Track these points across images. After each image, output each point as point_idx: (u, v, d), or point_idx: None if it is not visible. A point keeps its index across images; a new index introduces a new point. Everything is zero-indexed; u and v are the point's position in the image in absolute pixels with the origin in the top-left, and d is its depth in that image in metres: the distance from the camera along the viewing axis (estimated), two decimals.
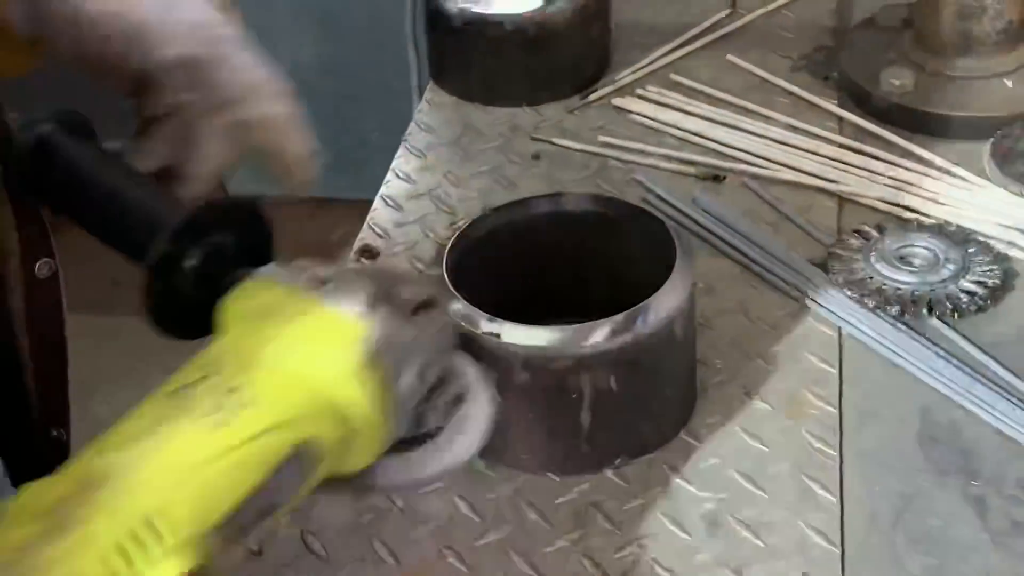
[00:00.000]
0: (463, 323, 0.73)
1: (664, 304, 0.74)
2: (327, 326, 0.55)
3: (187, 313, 0.60)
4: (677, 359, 0.78)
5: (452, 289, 0.74)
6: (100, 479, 0.50)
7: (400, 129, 1.15)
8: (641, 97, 1.11)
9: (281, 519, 0.55)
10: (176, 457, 0.52)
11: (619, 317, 0.72)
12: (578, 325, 0.73)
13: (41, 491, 0.50)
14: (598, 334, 0.72)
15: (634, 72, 1.15)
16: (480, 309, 0.73)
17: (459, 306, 0.73)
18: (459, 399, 0.61)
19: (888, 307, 0.86)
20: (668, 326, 0.74)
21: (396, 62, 2.00)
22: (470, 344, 0.69)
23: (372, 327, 0.55)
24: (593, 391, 0.73)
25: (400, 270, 0.67)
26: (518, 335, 0.73)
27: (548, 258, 0.85)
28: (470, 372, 0.63)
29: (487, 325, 0.73)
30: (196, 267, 0.60)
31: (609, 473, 0.76)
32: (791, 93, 1.10)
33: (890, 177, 0.98)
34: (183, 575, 0.48)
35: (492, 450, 0.68)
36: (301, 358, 0.55)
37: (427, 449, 0.61)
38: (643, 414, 0.77)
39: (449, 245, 0.76)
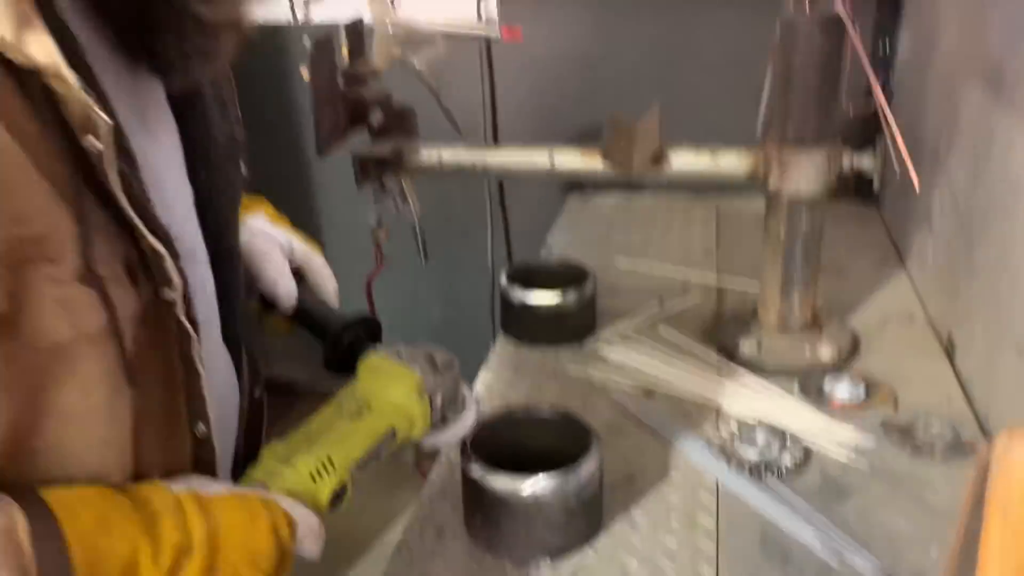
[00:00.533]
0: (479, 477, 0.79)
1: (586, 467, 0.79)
2: (405, 377, 0.70)
3: (343, 363, 0.77)
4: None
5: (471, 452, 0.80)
6: (305, 441, 0.63)
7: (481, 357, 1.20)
8: (613, 344, 1.17)
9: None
10: (339, 432, 0.65)
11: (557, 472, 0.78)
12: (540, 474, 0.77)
13: (278, 447, 0.63)
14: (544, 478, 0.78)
15: (608, 335, 1.21)
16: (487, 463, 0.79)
17: (476, 466, 0.80)
18: (461, 405, 0.76)
19: (744, 469, 0.93)
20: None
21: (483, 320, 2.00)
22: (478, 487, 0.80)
23: (424, 378, 0.71)
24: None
25: (436, 349, 0.73)
26: (503, 480, 0.78)
27: (528, 436, 0.87)
28: (467, 393, 0.77)
29: (478, 472, 0.79)
30: (350, 342, 0.78)
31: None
32: (691, 352, 1.16)
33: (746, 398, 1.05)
34: (338, 486, 0.62)
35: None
36: (393, 391, 0.69)
37: (447, 428, 0.75)
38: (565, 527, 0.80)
39: (477, 429, 0.79)
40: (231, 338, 0.65)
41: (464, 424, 0.77)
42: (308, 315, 0.80)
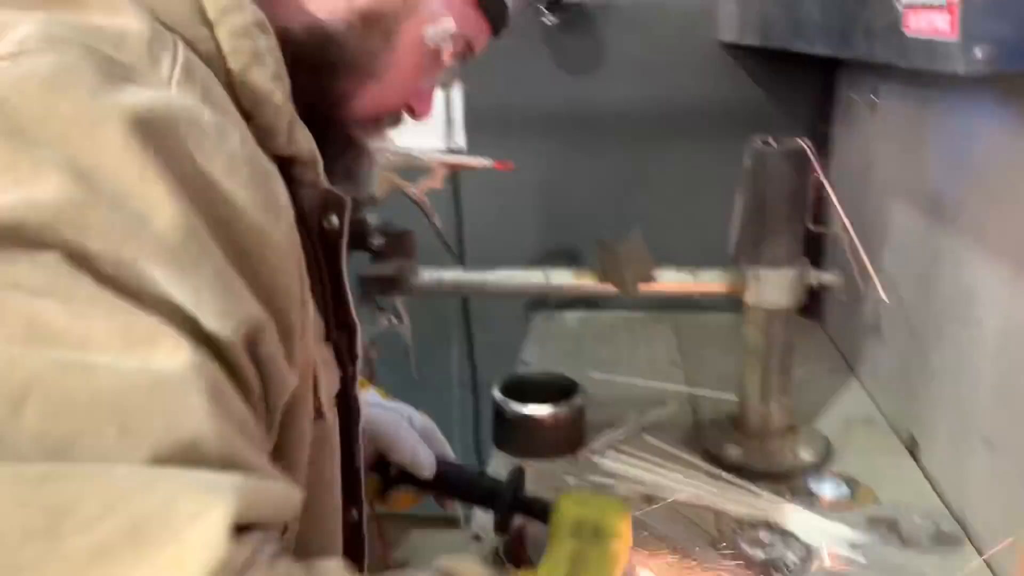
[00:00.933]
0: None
1: None
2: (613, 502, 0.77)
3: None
4: None
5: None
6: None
7: None
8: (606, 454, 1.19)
9: None
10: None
11: None
12: None
13: None
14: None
15: (599, 445, 1.23)
16: None
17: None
18: None
19: (754, 568, 0.96)
20: None
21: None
22: None
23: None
24: None
25: None
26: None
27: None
28: None
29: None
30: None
31: None
32: (679, 458, 1.20)
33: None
34: None
35: None
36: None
37: None
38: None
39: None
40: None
41: None
42: (452, 479, 0.83)
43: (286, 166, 0.50)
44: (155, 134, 0.38)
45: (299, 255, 0.47)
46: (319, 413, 0.51)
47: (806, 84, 1.72)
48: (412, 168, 1.24)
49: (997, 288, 0.98)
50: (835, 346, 1.68)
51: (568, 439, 1.24)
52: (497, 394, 1.27)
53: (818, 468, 1.19)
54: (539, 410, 1.22)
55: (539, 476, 1.16)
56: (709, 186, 1.36)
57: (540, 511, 0.78)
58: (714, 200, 1.23)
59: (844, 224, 1.09)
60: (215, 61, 0.47)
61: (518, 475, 0.82)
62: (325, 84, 0.57)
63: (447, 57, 0.61)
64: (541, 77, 1.79)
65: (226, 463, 0.36)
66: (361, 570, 0.64)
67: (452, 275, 1.21)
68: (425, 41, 0.59)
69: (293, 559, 0.39)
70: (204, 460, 0.35)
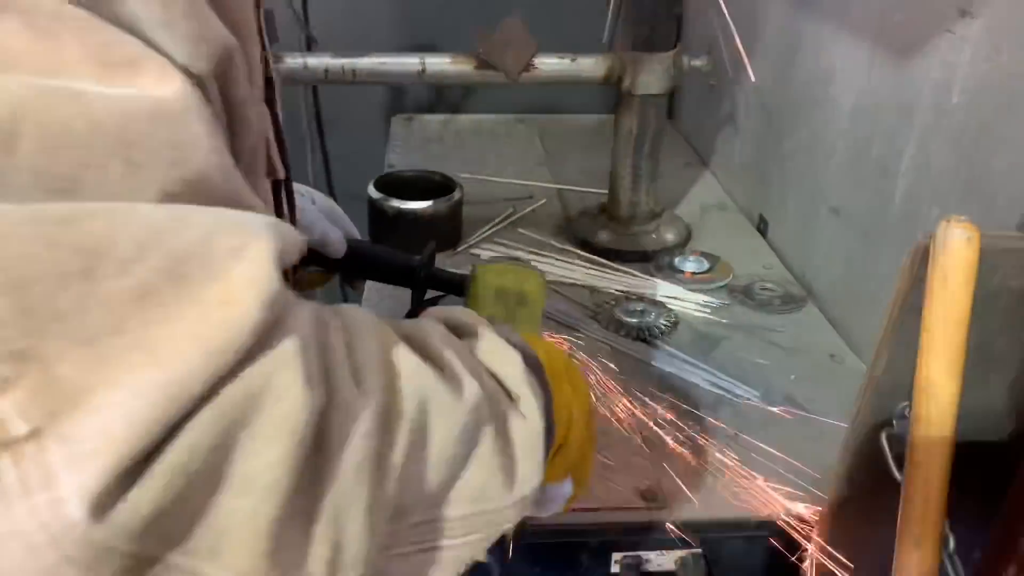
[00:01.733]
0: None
1: None
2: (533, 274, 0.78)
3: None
4: None
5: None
6: None
7: None
8: (482, 246, 1.24)
9: None
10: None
11: None
12: None
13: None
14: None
15: (475, 239, 1.27)
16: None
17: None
18: None
19: (630, 333, 1.05)
20: None
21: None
22: None
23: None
24: None
25: None
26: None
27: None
28: None
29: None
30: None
31: None
32: (555, 246, 1.26)
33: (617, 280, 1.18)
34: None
35: None
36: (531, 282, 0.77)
37: None
38: None
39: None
40: None
41: None
42: (365, 257, 0.80)
43: None
44: None
45: None
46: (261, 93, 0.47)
47: None
48: None
49: (853, 67, 1.04)
50: (688, 143, 1.75)
51: (446, 234, 1.25)
52: (373, 192, 1.24)
53: (680, 248, 1.29)
54: (418, 205, 1.21)
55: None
56: None
57: (456, 285, 0.78)
58: None
59: (720, 6, 1.10)
60: None
61: (431, 251, 0.81)
62: None
63: None
64: None
65: (232, 203, 0.33)
66: None
67: (317, 60, 1.12)
68: None
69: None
70: (211, 199, 0.32)
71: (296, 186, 0.76)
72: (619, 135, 1.24)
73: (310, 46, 1.70)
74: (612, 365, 0.98)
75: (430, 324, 0.46)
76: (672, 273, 1.21)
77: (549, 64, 1.16)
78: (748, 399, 0.95)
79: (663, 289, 1.17)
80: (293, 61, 1.11)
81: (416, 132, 1.79)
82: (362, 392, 0.36)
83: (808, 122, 1.18)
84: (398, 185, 1.26)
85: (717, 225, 1.39)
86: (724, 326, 1.10)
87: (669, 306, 1.12)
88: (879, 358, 0.61)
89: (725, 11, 1.09)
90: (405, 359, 0.39)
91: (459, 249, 1.26)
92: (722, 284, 1.19)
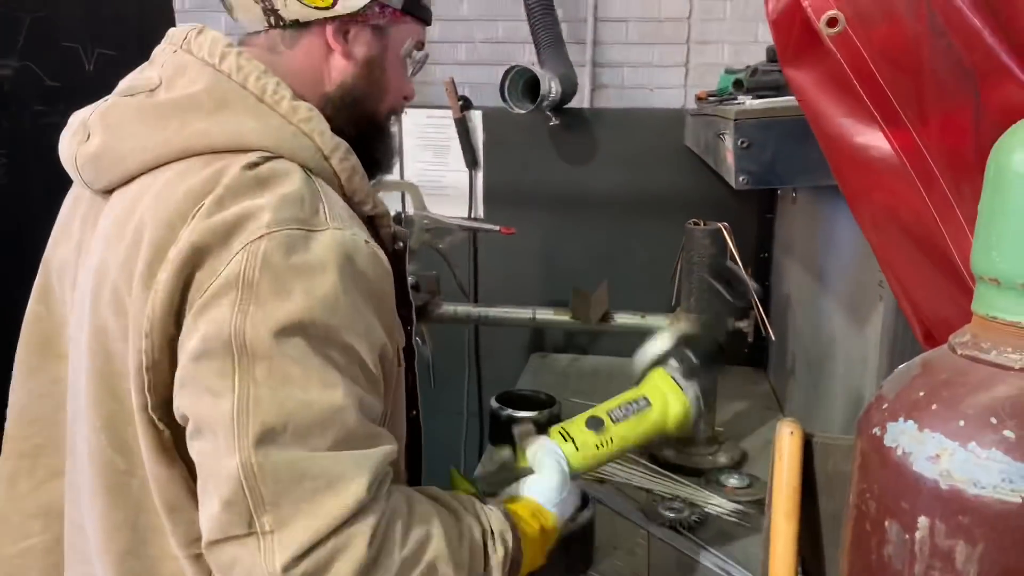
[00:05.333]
0: None
1: None
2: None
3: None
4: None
5: None
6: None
7: None
8: None
9: None
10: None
11: None
12: None
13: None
14: None
15: None
16: None
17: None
18: None
19: (665, 524, 1.37)
20: None
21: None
22: None
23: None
24: None
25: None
26: None
27: None
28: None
29: None
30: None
31: None
32: (629, 457, 1.64)
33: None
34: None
35: None
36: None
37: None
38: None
39: None
40: None
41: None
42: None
43: (373, 219, 0.85)
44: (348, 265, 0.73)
45: (393, 297, 0.79)
46: (399, 362, 0.83)
47: None
48: (440, 229, 1.67)
49: (844, 331, 1.38)
50: (772, 390, 2.06)
51: None
52: (493, 403, 1.67)
53: (732, 469, 1.57)
54: (523, 414, 1.59)
55: None
56: (668, 255, 1.76)
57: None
58: (669, 264, 1.65)
59: (748, 284, 1.51)
60: (332, 179, 0.80)
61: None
62: (363, 114, 0.88)
63: (411, 58, 0.92)
64: (545, 164, 2.27)
65: (367, 442, 0.72)
66: (420, 454, 0.97)
67: (463, 308, 1.64)
68: (401, 56, 0.90)
69: (398, 489, 0.75)
70: (356, 441, 0.71)
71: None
72: None
73: (476, 298, 2.27)
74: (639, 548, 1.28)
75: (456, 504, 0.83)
76: (717, 486, 1.50)
77: (624, 318, 1.59)
78: None
79: (702, 496, 1.46)
80: (447, 308, 1.63)
81: (548, 366, 2.24)
82: (403, 550, 0.72)
83: (826, 375, 1.50)
84: (514, 399, 1.69)
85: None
86: (745, 529, 1.36)
87: (704, 508, 1.41)
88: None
89: (751, 287, 1.48)
90: (435, 535, 0.76)
91: None
92: (758, 498, 1.45)
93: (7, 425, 0.88)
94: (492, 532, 0.82)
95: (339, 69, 0.86)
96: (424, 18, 0.91)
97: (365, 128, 0.89)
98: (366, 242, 0.75)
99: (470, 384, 2.41)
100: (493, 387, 2.36)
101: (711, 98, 1.73)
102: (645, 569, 1.25)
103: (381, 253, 0.77)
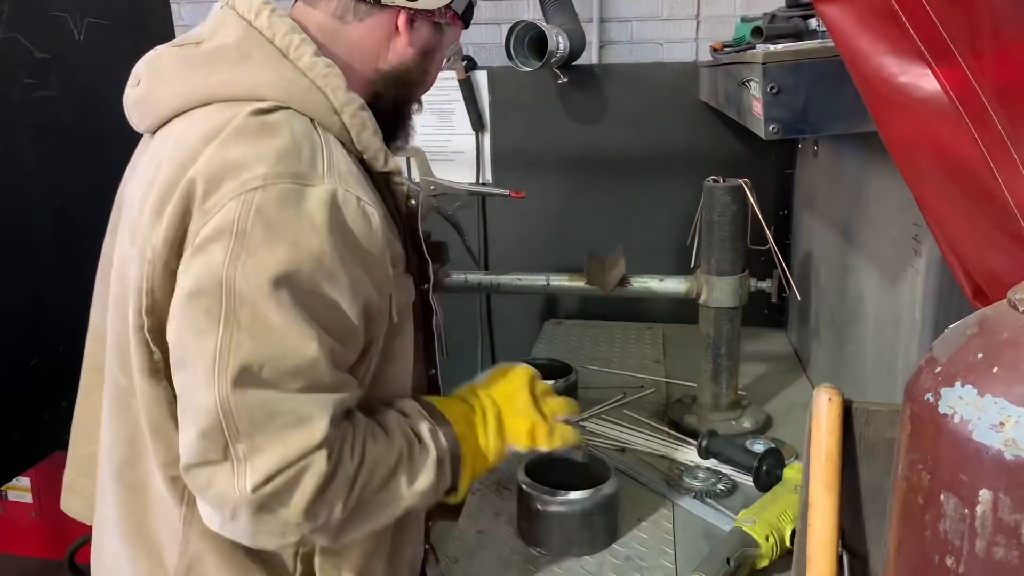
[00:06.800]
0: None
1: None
2: None
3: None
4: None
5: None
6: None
7: None
8: (592, 421, 1.61)
9: None
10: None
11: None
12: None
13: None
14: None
15: (587, 414, 1.58)
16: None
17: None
18: None
19: (691, 494, 1.32)
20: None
21: None
22: None
23: None
24: None
25: None
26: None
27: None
28: None
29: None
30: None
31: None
32: (650, 424, 1.59)
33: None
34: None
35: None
36: None
37: None
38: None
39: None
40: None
41: None
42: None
43: (388, 176, 0.87)
44: (336, 220, 0.77)
45: (386, 254, 0.83)
46: (391, 318, 0.87)
47: None
48: (448, 195, 1.62)
49: (874, 290, 1.33)
50: (793, 350, 2.01)
51: None
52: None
53: (757, 434, 1.52)
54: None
55: None
56: (685, 215, 1.70)
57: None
58: (686, 225, 1.59)
59: (771, 243, 1.45)
60: (343, 133, 0.84)
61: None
62: (406, 97, 0.95)
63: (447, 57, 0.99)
64: (554, 124, 2.19)
65: (333, 388, 0.78)
66: None
67: (474, 277, 1.59)
68: (445, 54, 0.97)
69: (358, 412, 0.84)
70: (323, 387, 0.77)
71: None
72: (702, 340, 1.56)
73: (487, 265, 2.22)
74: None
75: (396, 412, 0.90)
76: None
77: (642, 281, 1.54)
78: None
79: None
80: (457, 276, 1.58)
81: (562, 333, 2.20)
82: (352, 462, 0.80)
83: (852, 336, 1.45)
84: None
85: (798, 419, 1.62)
86: None
87: (730, 476, 1.37)
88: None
89: (774, 246, 1.42)
90: (372, 442, 0.83)
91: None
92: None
93: (86, 343, 0.99)
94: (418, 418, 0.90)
95: (398, 52, 0.91)
96: (468, 23, 0.98)
97: (401, 108, 0.96)
98: (358, 199, 0.79)
99: (484, 354, 2.36)
100: (507, 356, 2.33)
101: (727, 48, 1.65)
102: (671, 542, 1.21)
103: (372, 210, 0.80)
